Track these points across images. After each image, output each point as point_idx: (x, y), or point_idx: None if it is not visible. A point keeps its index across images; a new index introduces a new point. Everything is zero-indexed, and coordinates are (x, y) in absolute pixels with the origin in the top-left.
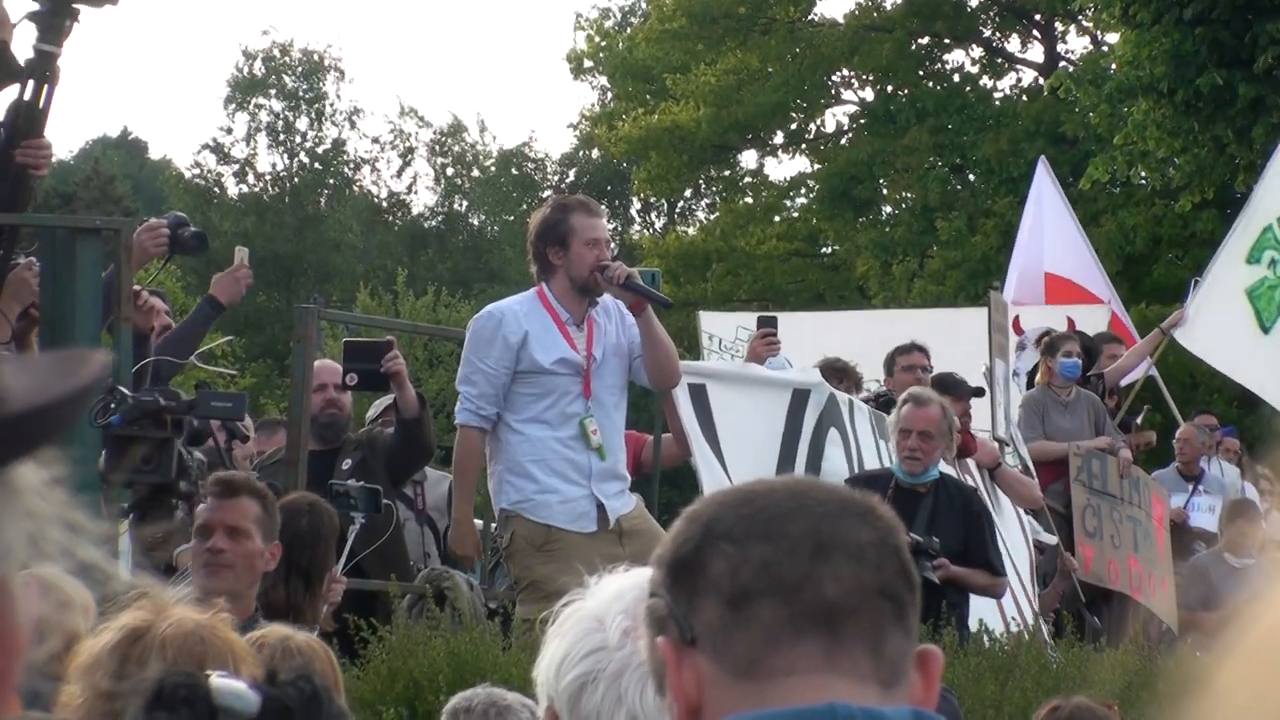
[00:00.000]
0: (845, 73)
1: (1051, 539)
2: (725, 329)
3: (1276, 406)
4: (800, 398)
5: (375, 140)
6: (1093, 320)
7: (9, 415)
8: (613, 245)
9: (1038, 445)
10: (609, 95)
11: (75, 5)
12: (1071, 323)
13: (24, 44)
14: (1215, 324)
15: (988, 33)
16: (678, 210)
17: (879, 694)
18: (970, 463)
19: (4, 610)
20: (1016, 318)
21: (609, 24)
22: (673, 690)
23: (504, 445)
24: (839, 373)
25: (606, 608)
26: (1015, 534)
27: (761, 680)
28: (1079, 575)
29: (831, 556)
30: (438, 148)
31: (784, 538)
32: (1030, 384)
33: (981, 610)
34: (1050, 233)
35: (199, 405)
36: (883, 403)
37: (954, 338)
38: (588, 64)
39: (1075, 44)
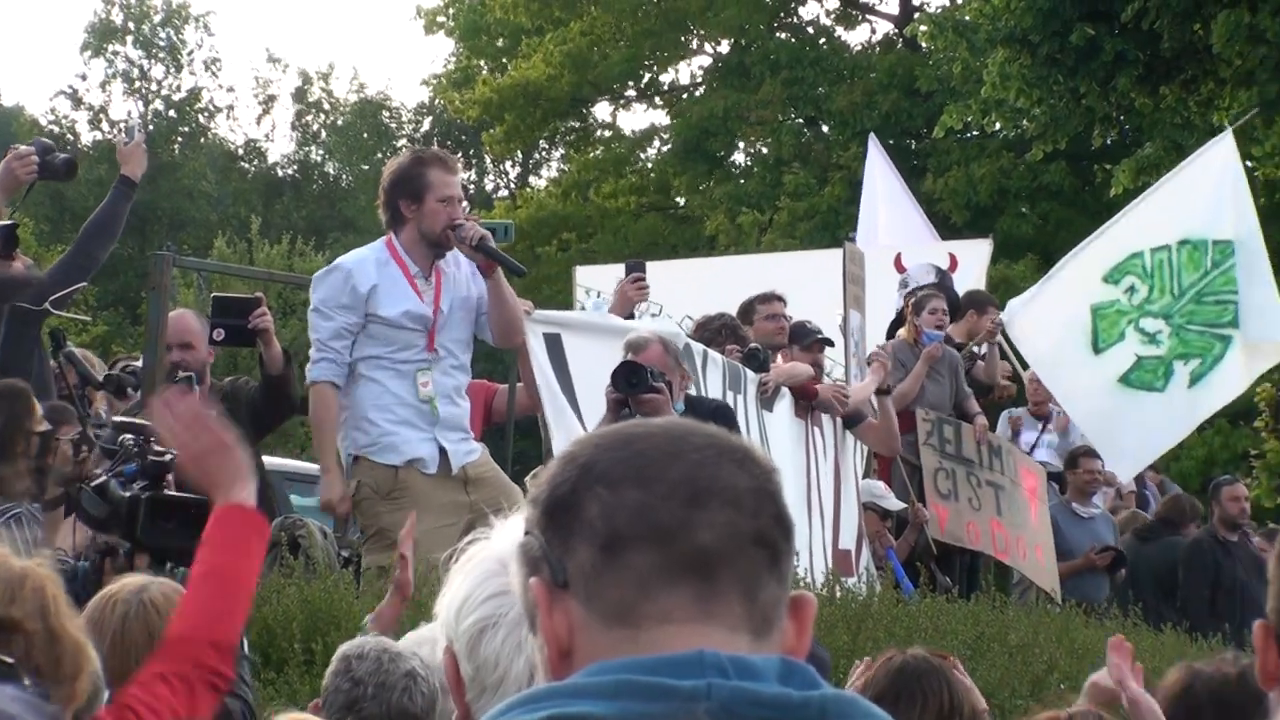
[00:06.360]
0: (699, 28)
1: (898, 505)
2: (604, 281)
3: (1077, 421)
4: None
5: (230, 89)
6: (977, 255)
7: None
8: (465, 204)
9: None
10: (460, 54)
11: None
12: (954, 259)
13: None
14: (1050, 326)
15: None
16: (532, 161)
17: (750, 643)
18: (824, 417)
19: None
20: (899, 255)
21: None
22: (544, 632)
23: (350, 392)
24: (735, 334)
25: (510, 551)
26: (850, 496)
27: (633, 627)
28: (934, 534)
29: (708, 504)
30: (296, 95)
31: (660, 482)
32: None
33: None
34: (884, 210)
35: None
36: (748, 355)
37: (810, 282)
38: (440, 19)
39: None
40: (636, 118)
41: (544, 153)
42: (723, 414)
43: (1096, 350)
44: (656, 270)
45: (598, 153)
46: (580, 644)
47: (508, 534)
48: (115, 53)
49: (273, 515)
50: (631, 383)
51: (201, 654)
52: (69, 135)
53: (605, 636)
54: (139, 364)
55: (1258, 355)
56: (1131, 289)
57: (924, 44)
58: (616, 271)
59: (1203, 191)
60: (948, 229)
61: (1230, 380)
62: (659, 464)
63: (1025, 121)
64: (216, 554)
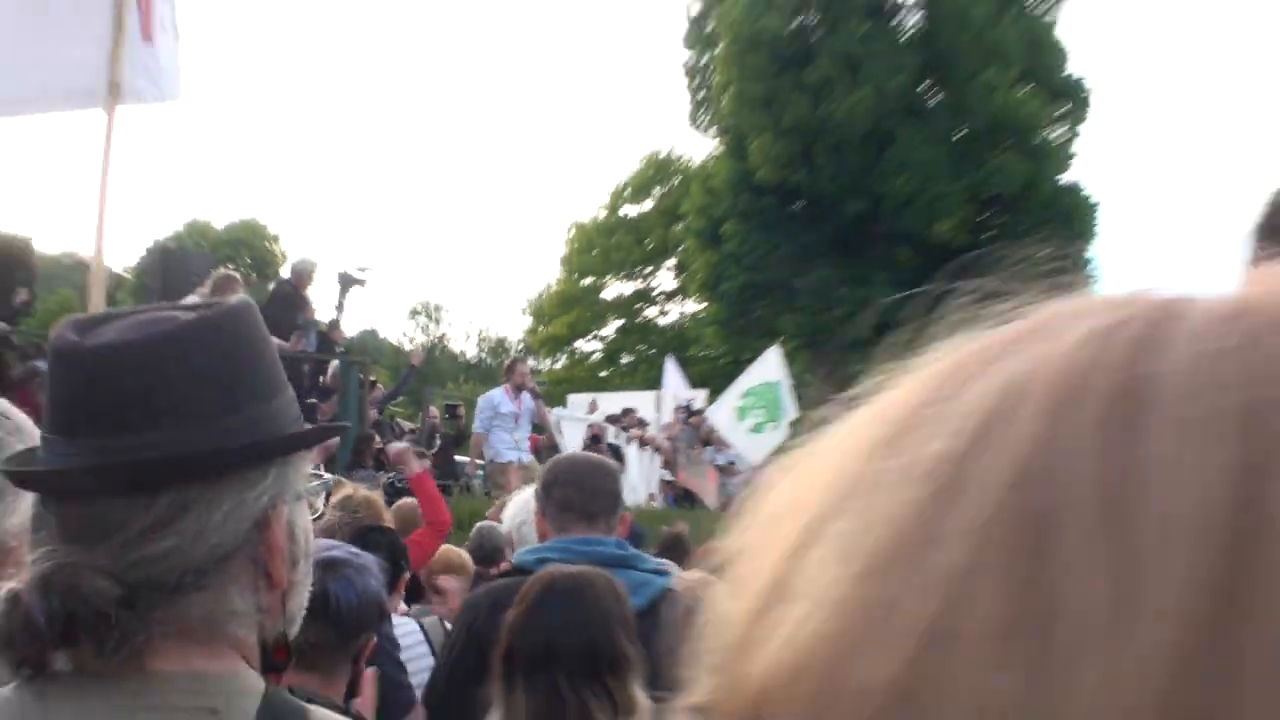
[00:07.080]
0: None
1: (670, 478)
2: (577, 404)
3: (738, 448)
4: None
5: (445, 322)
6: (702, 395)
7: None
8: (530, 375)
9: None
10: (534, 324)
11: (346, 298)
12: (695, 398)
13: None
14: (723, 416)
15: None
16: (559, 358)
17: (606, 536)
18: (647, 448)
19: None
20: (675, 394)
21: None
22: (537, 527)
23: (488, 437)
24: (620, 421)
25: (529, 497)
26: (654, 476)
27: (566, 533)
28: (681, 484)
29: (599, 495)
30: (478, 340)
31: (583, 485)
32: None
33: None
34: (672, 379)
35: None
36: (622, 427)
37: (646, 403)
38: (525, 309)
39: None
40: (589, 345)
41: (559, 357)
42: (618, 452)
43: (740, 420)
44: (588, 399)
45: (579, 355)
46: (548, 535)
47: (526, 493)
48: (417, 319)
49: (457, 477)
50: (593, 441)
51: (436, 525)
52: (398, 349)
53: (557, 535)
54: (413, 425)
55: (788, 421)
56: (747, 399)
57: (688, 325)
58: (584, 399)
59: (763, 365)
60: (692, 389)
61: (784, 431)
62: (585, 476)
63: (723, 349)
64: (425, 495)
